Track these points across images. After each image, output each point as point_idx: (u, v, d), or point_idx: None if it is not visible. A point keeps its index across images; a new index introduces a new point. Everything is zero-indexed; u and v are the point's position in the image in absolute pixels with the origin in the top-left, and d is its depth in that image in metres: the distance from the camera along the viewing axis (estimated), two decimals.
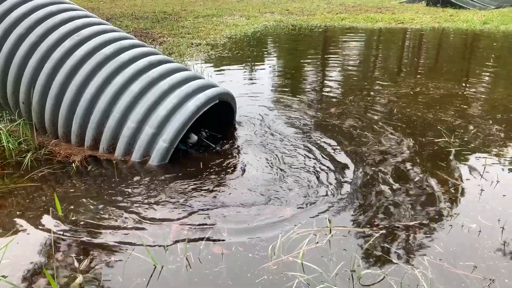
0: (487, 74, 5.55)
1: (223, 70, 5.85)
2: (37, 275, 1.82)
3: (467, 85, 4.98)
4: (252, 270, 1.84)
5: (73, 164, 2.80)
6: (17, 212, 2.31)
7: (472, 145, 3.16)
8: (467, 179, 2.65)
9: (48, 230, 2.13)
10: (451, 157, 2.96)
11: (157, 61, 3.14)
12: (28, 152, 2.94)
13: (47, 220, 2.21)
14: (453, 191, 2.51)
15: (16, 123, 3.18)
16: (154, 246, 2.00)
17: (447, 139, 3.24)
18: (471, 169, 2.79)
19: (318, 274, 1.80)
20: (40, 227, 2.17)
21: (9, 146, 2.97)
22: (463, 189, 2.54)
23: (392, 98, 4.40)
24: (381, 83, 5.08)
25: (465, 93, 4.62)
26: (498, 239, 2.05)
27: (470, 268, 1.85)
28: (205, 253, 1.95)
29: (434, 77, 5.28)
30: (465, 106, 4.09)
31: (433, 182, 2.61)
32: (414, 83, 4.98)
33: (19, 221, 2.23)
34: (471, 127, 3.51)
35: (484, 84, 4.97)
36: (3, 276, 1.79)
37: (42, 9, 3.23)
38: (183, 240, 2.03)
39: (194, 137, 3.17)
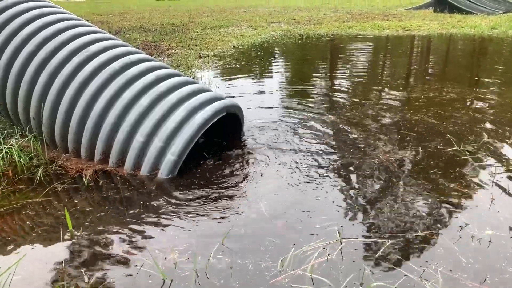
0: (497, 80, 5.50)
1: (231, 81, 5.89)
2: None
3: (477, 91, 4.94)
4: (263, 284, 1.84)
5: (85, 179, 2.83)
6: (29, 228, 2.33)
7: (482, 153, 3.13)
8: (477, 189, 2.63)
9: (59, 246, 2.15)
10: (461, 166, 2.93)
11: (165, 74, 3.18)
12: (39, 167, 2.98)
13: (58, 236, 2.23)
14: (463, 200, 2.49)
15: (27, 138, 3.23)
16: (163, 260, 2.01)
17: (456, 147, 3.21)
18: (482, 178, 2.76)
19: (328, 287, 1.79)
20: (51, 242, 2.19)
21: (20, 161, 3.02)
22: (473, 198, 2.51)
23: (400, 105, 4.39)
24: (389, 89, 5.07)
25: (474, 99, 4.59)
26: (509, 249, 2.03)
27: (482, 280, 1.82)
28: (214, 267, 1.95)
29: (443, 84, 5.25)
30: (474, 113, 4.06)
31: (443, 191, 2.59)
32: (423, 90, 4.96)
33: (30, 236, 2.25)
34: (481, 135, 3.48)
35: (494, 90, 4.93)
36: None
37: (51, 26, 3.30)
38: (192, 254, 2.03)
39: None
